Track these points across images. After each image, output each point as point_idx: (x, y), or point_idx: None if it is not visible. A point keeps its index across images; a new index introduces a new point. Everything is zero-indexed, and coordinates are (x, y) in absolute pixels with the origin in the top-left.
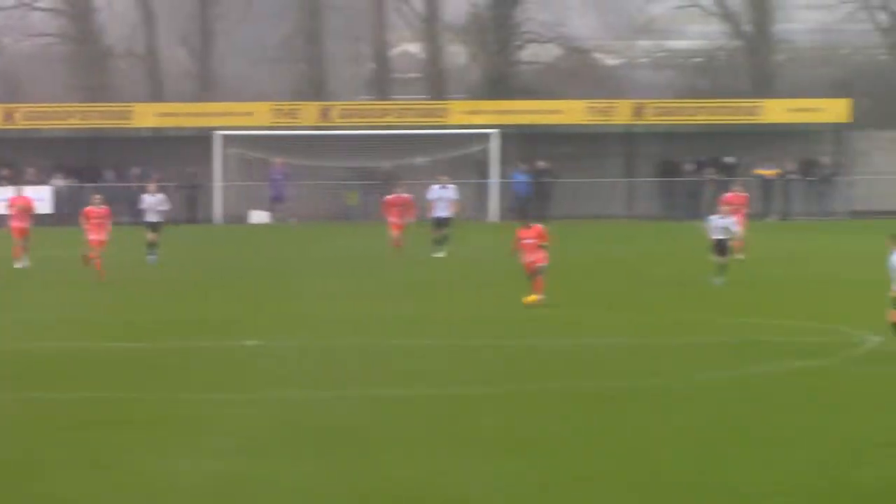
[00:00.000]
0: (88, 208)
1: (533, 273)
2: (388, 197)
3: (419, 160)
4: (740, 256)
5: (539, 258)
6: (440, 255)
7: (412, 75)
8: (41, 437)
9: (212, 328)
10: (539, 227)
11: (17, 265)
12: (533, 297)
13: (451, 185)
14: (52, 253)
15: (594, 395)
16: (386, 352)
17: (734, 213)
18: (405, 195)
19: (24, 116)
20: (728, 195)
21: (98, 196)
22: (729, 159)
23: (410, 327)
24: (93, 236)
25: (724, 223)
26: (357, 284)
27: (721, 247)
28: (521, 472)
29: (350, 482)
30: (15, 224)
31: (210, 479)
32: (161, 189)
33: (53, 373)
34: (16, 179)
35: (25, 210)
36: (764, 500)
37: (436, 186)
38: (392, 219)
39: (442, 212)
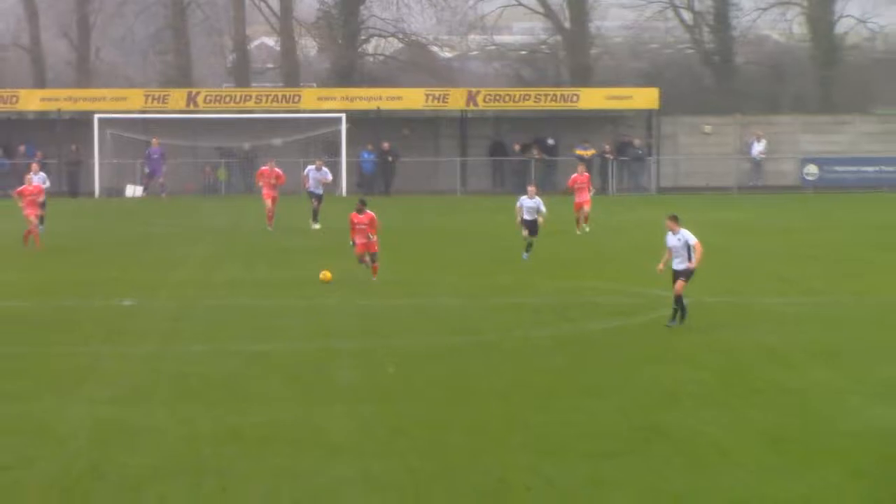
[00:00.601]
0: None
1: (361, 258)
2: (262, 168)
3: (276, 141)
4: (586, 228)
5: (371, 244)
6: (316, 227)
7: (269, 66)
8: None
9: (92, 289)
10: (371, 214)
11: None
12: (328, 274)
13: (325, 168)
14: None
15: (428, 350)
16: (249, 310)
17: (580, 190)
18: (277, 168)
19: None
20: (574, 175)
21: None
22: (549, 141)
23: (273, 289)
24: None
25: (533, 203)
26: (226, 251)
27: (531, 225)
28: (373, 416)
29: (219, 424)
30: None
31: (90, 424)
32: (42, 167)
33: None
34: None
35: None
36: (576, 441)
37: (311, 167)
38: (266, 190)
39: (317, 189)
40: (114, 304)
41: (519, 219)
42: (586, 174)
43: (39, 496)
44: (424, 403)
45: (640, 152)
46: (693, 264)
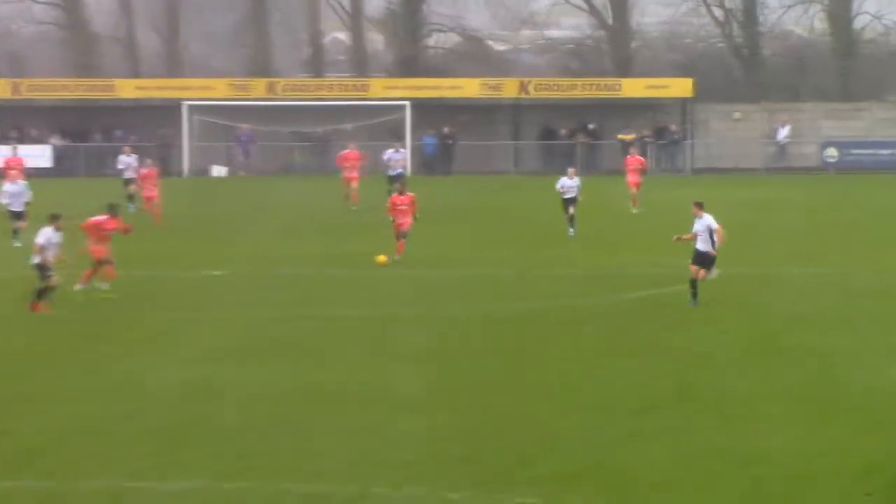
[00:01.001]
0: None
1: (400, 235)
2: (343, 152)
3: (346, 126)
4: (633, 210)
5: (407, 222)
6: None
7: (340, 58)
8: (51, 349)
9: (185, 261)
10: (411, 195)
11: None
12: (384, 258)
13: (403, 150)
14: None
15: (483, 317)
16: (323, 280)
17: (633, 171)
18: (357, 151)
19: (28, 88)
20: (628, 158)
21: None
22: (592, 126)
23: (344, 260)
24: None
25: (572, 183)
26: (303, 226)
27: (569, 202)
28: (437, 376)
29: (298, 382)
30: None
31: (181, 382)
32: (135, 150)
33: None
34: (22, 139)
35: (19, 168)
36: (618, 398)
37: (390, 150)
38: (348, 172)
39: (396, 170)
40: (204, 274)
41: (560, 199)
42: (642, 158)
43: (137, 446)
44: (482, 365)
45: (676, 136)
46: (714, 250)
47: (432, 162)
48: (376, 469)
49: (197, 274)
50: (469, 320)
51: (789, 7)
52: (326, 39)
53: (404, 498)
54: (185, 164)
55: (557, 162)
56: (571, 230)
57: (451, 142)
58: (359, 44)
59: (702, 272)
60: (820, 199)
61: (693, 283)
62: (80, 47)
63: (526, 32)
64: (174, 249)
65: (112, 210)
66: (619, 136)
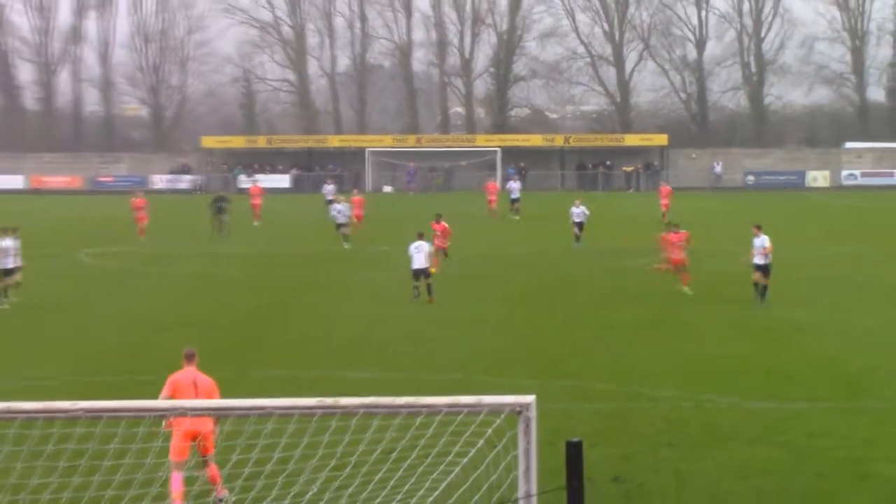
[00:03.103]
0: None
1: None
2: (487, 183)
3: (462, 163)
4: (665, 221)
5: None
6: (516, 218)
7: (458, 122)
8: (279, 296)
9: (364, 240)
10: (445, 224)
11: (255, 223)
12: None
13: (519, 181)
14: (289, 209)
15: (538, 280)
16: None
17: (665, 196)
18: (495, 183)
19: (276, 141)
20: (661, 187)
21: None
22: (608, 162)
23: (482, 242)
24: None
25: (578, 210)
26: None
27: (580, 226)
28: (512, 311)
29: (427, 315)
30: (254, 202)
31: (363, 315)
32: (335, 180)
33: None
34: (270, 171)
35: (259, 193)
36: (623, 323)
37: (511, 181)
38: (489, 196)
39: (514, 194)
40: (376, 249)
41: (570, 221)
42: (669, 187)
43: (330, 352)
44: (536, 304)
45: (657, 168)
46: (769, 260)
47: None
48: (475, 365)
49: (371, 249)
50: (532, 277)
51: (724, 92)
52: (451, 111)
53: (492, 382)
54: (368, 185)
55: (588, 184)
56: (576, 244)
57: (524, 171)
58: (469, 114)
59: (759, 275)
60: (742, 206)
61: (758, 286)
62: (306, 117)
63: (568, 107)
64: (362, 232)
65: (437, 216)
66: (624, 168)
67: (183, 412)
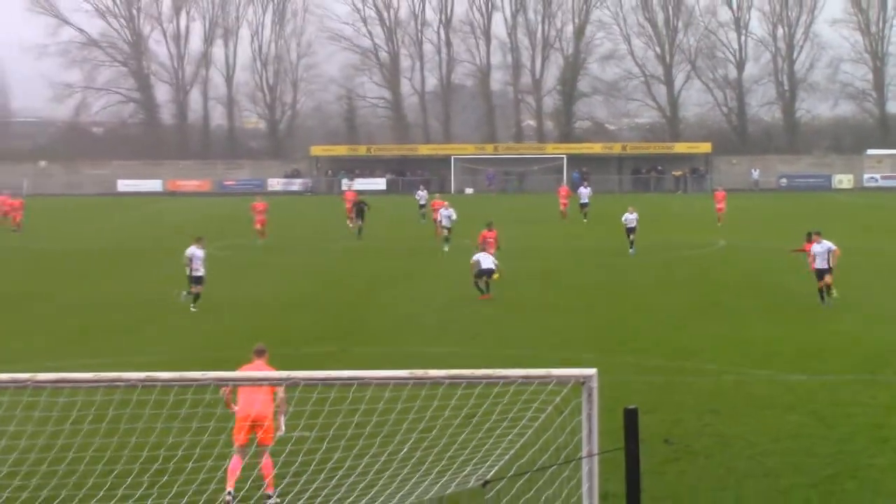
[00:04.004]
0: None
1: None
2: (560, 187)
3: (534, 168)
4: (720, 224)
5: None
6: (585, 221)
7: (530, 133)
8: (378, 284)
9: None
10: (495, 231)
11: (350, 224)
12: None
13: (589, 186)
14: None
15: (604, 263)
16: (508, 252)
17: (720, 201)
18: (567, 188)
19: (374, 150)
20: (716, 192)
21: (437, 193)
22: (660, 167)
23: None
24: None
25: (632, 217)
26: (513, 219)
27: (630, 231)
28: (576, 293)
29: (502, 298)
30: (348, 206)
31: (447, 302)
32: (426, 186)
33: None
34: (367, 176)
35: (352, 198)
36: (669, 308)
37: (581, 187)
38: (561, 199)
39: (583, 199)
40: (461, 242)
41: (624, 228)
42: (723, 191)
43: (415, 328)
44: (597, 291)
45: (702, 172)
46: (833, 263)
47: (575, 185)
48: (544, 343)
49: (459, 243)
50: (595, 270)
51: (761, 106)
52: (523, 124)
53: (560, 357)
54: (452, 187)
55: (642, 186)
56: (632, 250)
57: (587, 175)
58: (539, 126)
59: (827, 277)
60: (776, 205)
61: (824, 288)
62: (400, 129)
63: (625, 120)
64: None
65: (488, 224)
66: (673, 173)
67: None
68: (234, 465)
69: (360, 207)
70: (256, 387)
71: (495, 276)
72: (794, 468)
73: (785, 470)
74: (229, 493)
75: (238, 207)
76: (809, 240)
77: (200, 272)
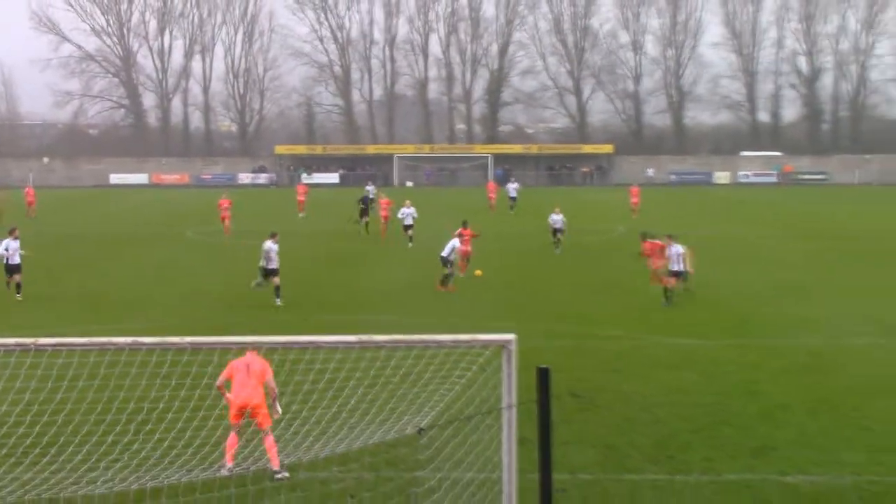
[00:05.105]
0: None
1: (463, 257)
2: (489, 183)
3: (464, 165)
4: (635, 216)
5: (468, 252)
6: (512, 213)
7: (461, 136)
8: (334, 264)
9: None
10: (471, 230)
11: (300, 215)
12: (479, 272)
13: (517, 183)
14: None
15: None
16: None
17: (635, 195)
18: (495, 184)
19: (327, 149)
20: (632, 187)
21: (383, 194)
22: (569, 165)
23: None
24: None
25: (557, 218)
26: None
27: (557, 231)
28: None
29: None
30: (300, 198)
31: (396, 279)
32: (373, 182)
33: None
34: (321, 171)
35: (305, 191)
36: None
37: (509, 183)
38: (489, 194)
39: (511, 194)
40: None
41: (549, 228)
42: (637, 188)
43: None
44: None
45: (605, 169)
46: (686, 267)
47: (500, 180)
48: (472, 313)
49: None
50: (521, 251)
51: (654, 114)
52: (456, 128)
53: (485, 325)
54: (395, 181)
55: (555, 181)
56: (557, 250)
57: (510, 171)
58: (469, 129)
59: (673, 280)
60: (668, 197)
61: (665, 290)
62: (351, 131)
63: (541, 124)
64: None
65: (464, 222)
66: (582, 169)
67: (260, 345)
68: (232, 441)
69: (363, 206)
70: (247, 375)
71: (477, 272)
72: (681, 417)
73: (672, 419)
74: (228, 468)
75: (213, 198)
76: (644, 239)
77: (275, 264)
